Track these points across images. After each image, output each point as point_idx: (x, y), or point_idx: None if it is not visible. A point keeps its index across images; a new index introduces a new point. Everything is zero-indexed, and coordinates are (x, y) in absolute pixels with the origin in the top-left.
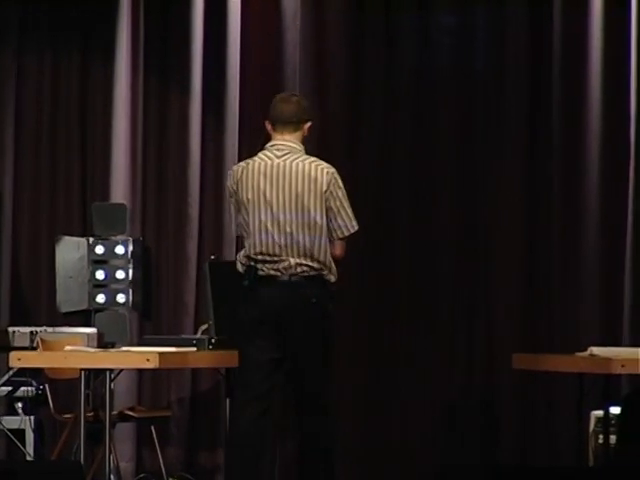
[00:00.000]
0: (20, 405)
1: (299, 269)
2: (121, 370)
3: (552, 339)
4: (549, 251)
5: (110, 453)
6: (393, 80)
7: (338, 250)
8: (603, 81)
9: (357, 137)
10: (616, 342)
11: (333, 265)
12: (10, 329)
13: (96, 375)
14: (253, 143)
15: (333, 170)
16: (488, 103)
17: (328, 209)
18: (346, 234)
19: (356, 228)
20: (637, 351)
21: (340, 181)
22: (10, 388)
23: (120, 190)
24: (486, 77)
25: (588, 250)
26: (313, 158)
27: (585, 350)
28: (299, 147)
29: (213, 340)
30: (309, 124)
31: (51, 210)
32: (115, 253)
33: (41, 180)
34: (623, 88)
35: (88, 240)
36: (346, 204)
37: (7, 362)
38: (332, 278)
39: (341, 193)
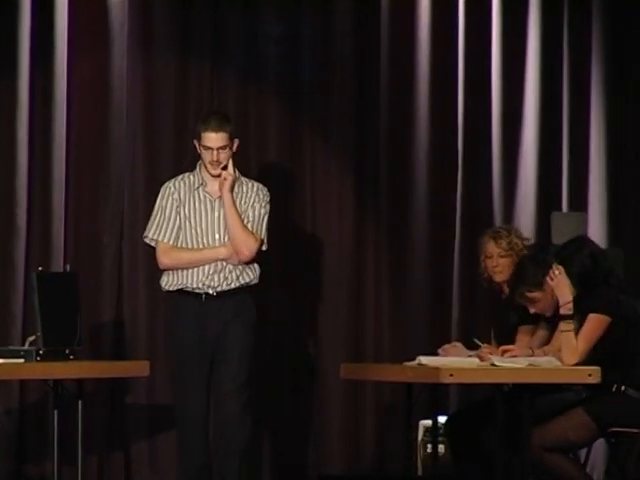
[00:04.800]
0: None
1: None
2: None
3: (381, 348)
4: (377, 259)
5: None
6: (220, 92)
7: None
8: (431, 88)
9: (184, 148)
10: None
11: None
12: None
13: None
14: (80, 156)
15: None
16: (314, 113)
17: None
18: None
19: (145, 234)
20: (464, 361)
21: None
22: None
23: None
24: (312, 85)
25: (416, 260)
26: None
27: (413, 359)
28: None
29: (41, 351)
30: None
31: None
32: None
33: None
34: (451, 96)
35: None
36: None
37: None
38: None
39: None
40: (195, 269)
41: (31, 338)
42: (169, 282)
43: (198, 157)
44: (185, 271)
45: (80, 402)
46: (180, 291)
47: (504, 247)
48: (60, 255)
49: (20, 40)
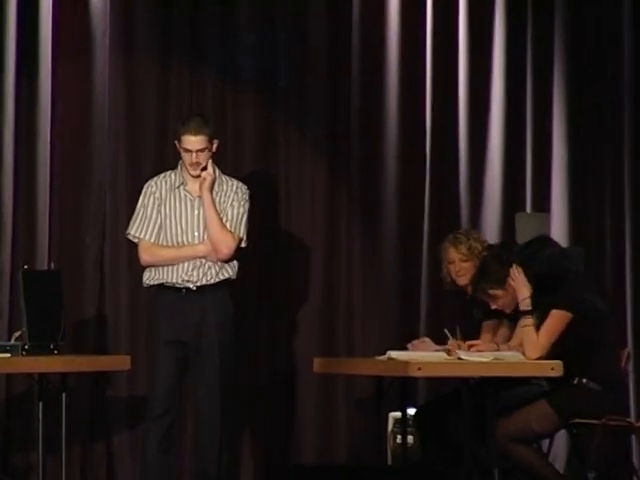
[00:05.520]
0: None
1: None
2: None
3: (352, 344)
4: (349, 261)
5: None
6: (199, 95)
7: None
8: (400, 90)
9: (165, 151)
10: None
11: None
12: None
13: None
14: (64, 159)
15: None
16: (289, 111)
17: None
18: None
19: (127, 230)
20: (432, 355)
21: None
22: None
23: None
24: (287, 85)
25: (386, 261)
26: None
27: (384, 354)
28: None
29: (26, 346)
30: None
31: None
32: None
33: None
34: (419, 100)
35: None
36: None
37: None
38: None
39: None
40: (175, 266)
41: (17, 333)
42: (150, 277)
43: (179, 156)
44: (166, 267)
45: (64, 395)
46: (161, 285)
47: (464, 252)
48: (45, 254)
49: (6, 47)
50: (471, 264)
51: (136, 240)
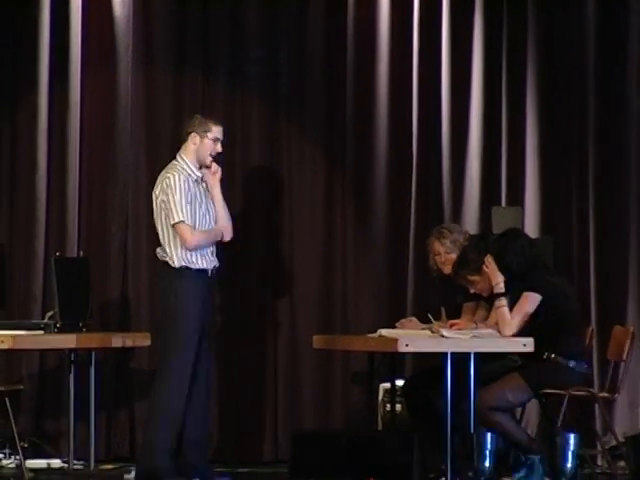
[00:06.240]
0: None
1: (158, 256)
2: None
3: (347, 322)
4: (345, 249)
5: None
6: (210, 101)
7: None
8: (389, 99)
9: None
10: None
11: (176, 251)
12: None
13: None
14: (91, 158)
15: (169, 175)
16: (290, 112)
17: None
18: (171, 223)
19: (176, 220)
20: (418, 333)
21: (171, 182)
22: None
23: None
24: (289, 91)
25: (378, 248)
26: (169, 167)
27: (375, 332)
28: (176, 160)
29: (58, 324)
30: (191, 135)
31: None
32: None
33: None
34: (406, 106)
35: None
36: (171, 200)
37: None
38: (172, 263)
39: (170, 192)
40: (205, 250)
41: (50, 313)
42: (189, 261)
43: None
44: (200, 252)
45: (92, 367)
46: (191, 269)
47: (448, 245)
48: (74, 243)
49: (40, 62)
50: (455, 255)
51: (183, 225)
